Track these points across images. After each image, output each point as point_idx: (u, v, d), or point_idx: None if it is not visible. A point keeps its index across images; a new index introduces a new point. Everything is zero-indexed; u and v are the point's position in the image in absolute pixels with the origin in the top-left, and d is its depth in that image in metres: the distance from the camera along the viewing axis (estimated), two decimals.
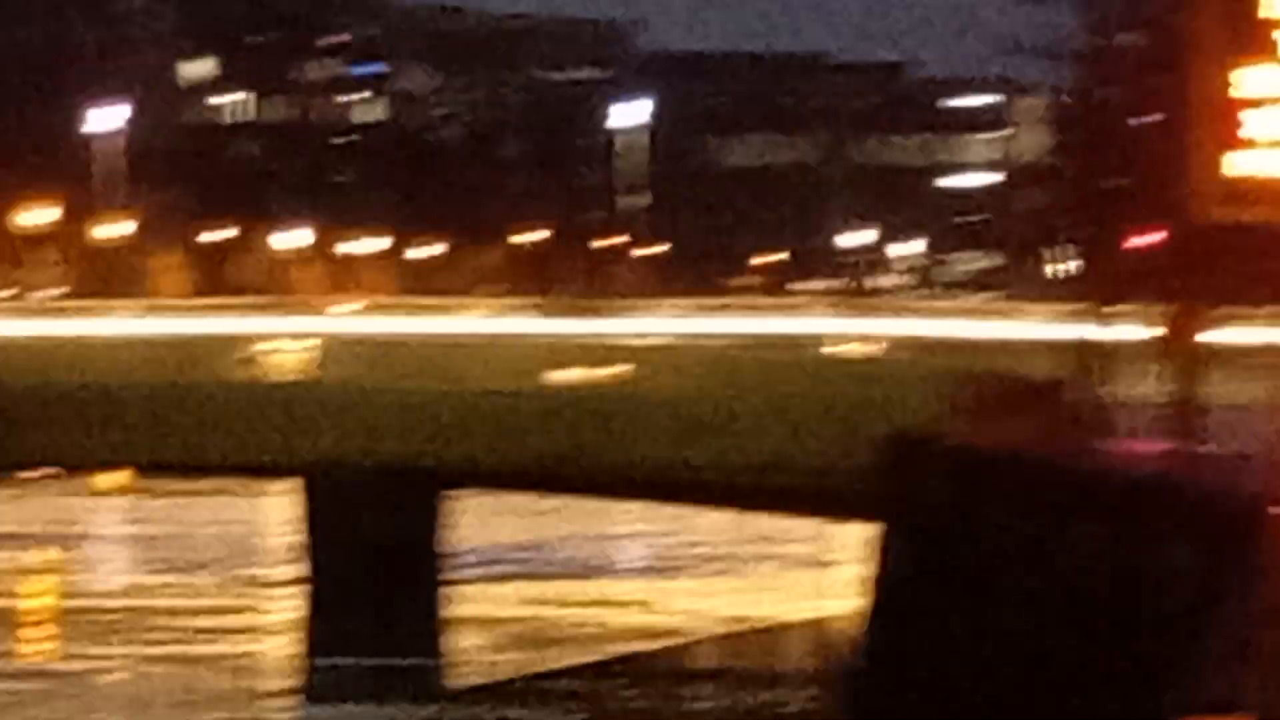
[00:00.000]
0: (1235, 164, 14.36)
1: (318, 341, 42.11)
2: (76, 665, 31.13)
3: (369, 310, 63.89)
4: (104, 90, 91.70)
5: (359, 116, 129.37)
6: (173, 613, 36.86)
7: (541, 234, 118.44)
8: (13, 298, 72.60)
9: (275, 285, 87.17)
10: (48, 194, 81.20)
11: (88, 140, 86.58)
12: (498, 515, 41.90)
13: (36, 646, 33.50)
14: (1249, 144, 14.10)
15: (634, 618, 36.58)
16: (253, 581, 39.29)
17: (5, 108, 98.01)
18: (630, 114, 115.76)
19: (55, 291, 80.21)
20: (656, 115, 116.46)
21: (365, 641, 28.74)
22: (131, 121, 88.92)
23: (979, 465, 23.51)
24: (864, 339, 55.97)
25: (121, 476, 46.88)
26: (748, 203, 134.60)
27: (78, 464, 38.62)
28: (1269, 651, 9.46)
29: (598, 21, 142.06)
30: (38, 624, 36.32)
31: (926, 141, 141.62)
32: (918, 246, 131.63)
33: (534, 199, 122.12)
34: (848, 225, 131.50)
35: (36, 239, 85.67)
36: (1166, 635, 11.97)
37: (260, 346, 41.04)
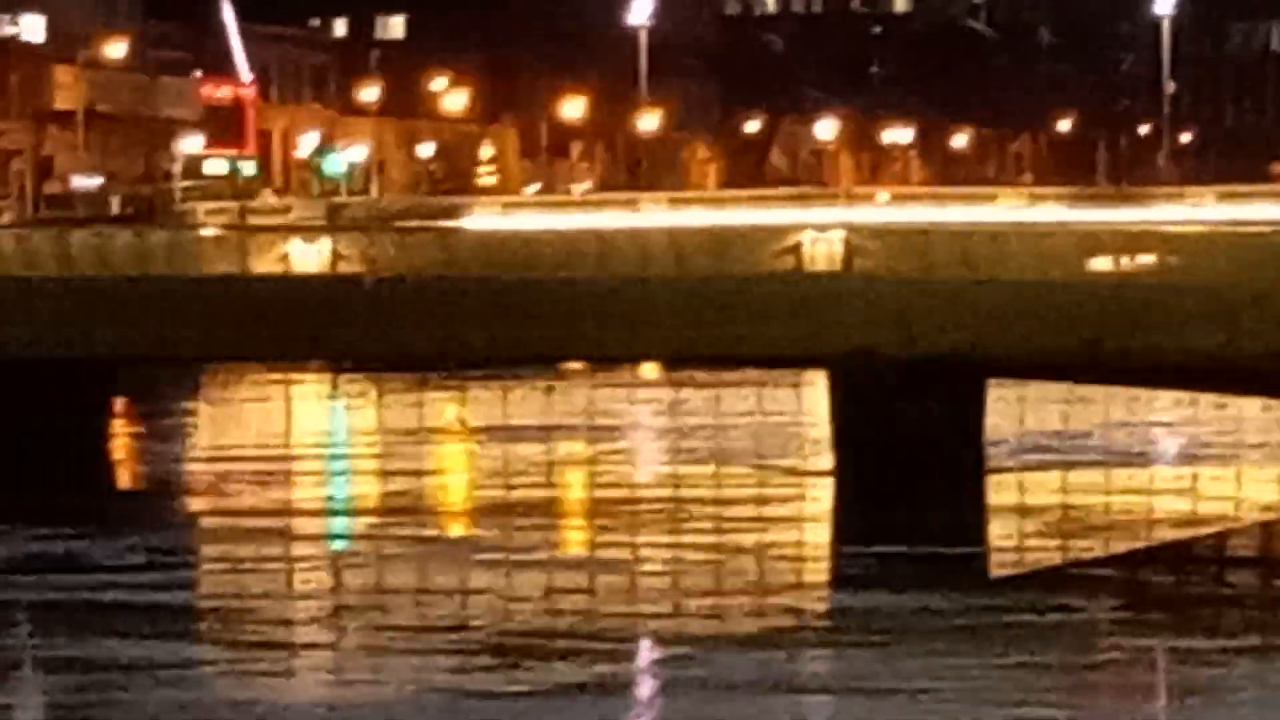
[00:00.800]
0: None
1: (848, 233, 40.31)
2: (616, 554, 30.06)
3: (899, 200, 62.25)
4: None
5: (891, 7, 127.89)
6: (707, 503, 35.03)
7: (1073, 122, 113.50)
8: (543, 191, 73.97)
9: (807, 176, 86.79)
10: (583, 87, 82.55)
11: (623, 33, 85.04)
12: (1033, 404, 39.33)
13: (576, 535, 33.25)
14: None
15: (1173, 505, 33.29)
16: (785, 472, 37.43)
17: (544, 4, 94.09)
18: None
19: (586, 185, 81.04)
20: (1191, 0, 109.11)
21: (901, 530, 27.38)
22: (666, 15, 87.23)
23: None
24: None
25: (655, 368, 46.80)
26: None
27: (610, 357, 39.33)
28: None
29: None
30: (577, 514, 36.27)
31: None
32: None
33: (1065, 88, 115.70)
34: None
35: (571, 133, 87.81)
36: None
37: (792, 238, 39.71)
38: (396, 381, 46.06)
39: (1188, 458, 38.95)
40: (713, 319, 31.80)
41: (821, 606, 24.93)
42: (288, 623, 22.06)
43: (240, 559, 27.35)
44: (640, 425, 45.34)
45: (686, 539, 30.61)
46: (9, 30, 61.21)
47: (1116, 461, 36.67)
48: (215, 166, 63.95)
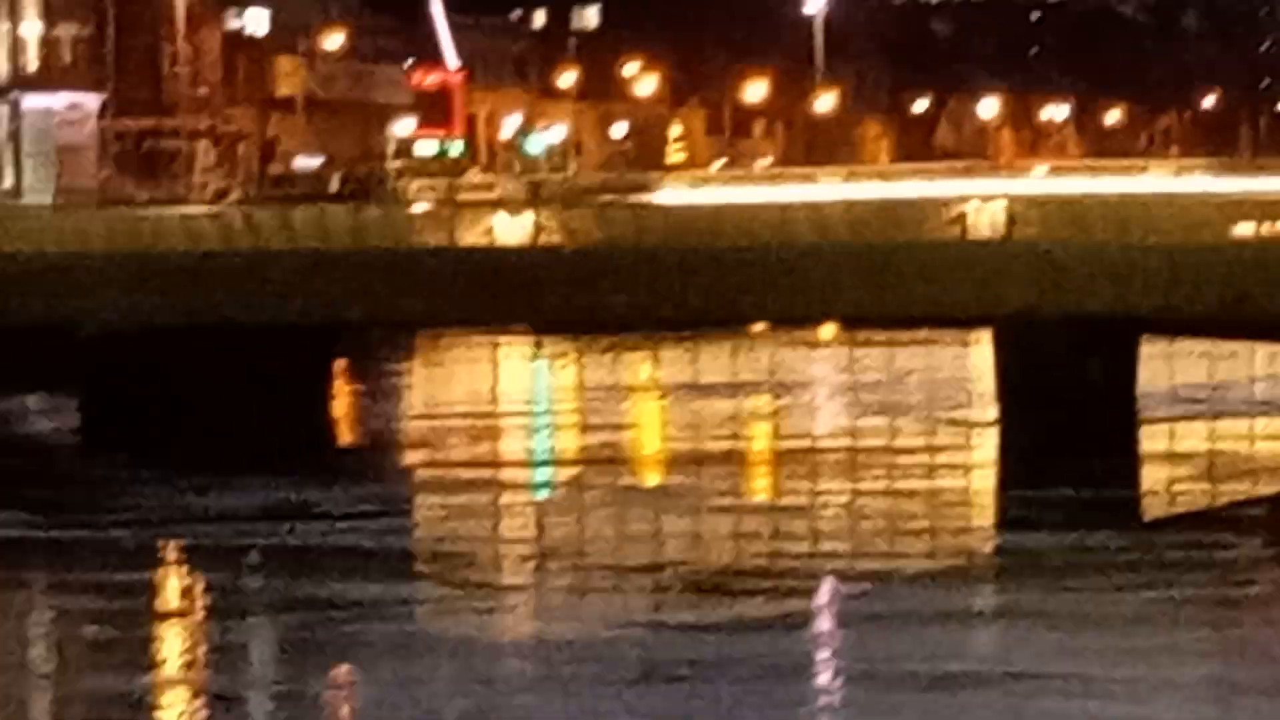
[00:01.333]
0: None
1: (1009, 202, 39.25)
2: (796, 500, 30.87)
3: (1057, 172, 61.13)
4: None
5: None
6: (881, 452, 35.80)
7: (1217, 99, 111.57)
8: (727, 167, 74.12)
9: (972, 151, 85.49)
10: (763, 70, 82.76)
11: (801, 20, 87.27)
12: (1183, 359, 38.80)
13: (760, 484, 33.46)
14: None
15: None
16: (954, 423, 38.01)
17: None
18: None
19: (767, 161, 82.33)
20: None
21: (1062, 476, 28.26)
22: (840, 1, 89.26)
23: None
24: None
25: (832, 329, 47.21)
26: None
27: (791, 318, 40.17)
28: None
29: None
30: (760, 464, 36.56)
31: None
32: None
33: (1211, 67, 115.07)
34: None
35: (753, 113, 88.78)
36: None
37: (957, 208, 38.50)
38: (595, 343, 46.91)
39: None
40: (885, 283, 32.41)
41: (989, 546, 25.94)
42: (497, 565, 23.36)
43: (453, 507, 28.48)
44: (820, 381, 45.65)
45: (863, 485, 31.05)
46: (236, 24, 64.11)
47: (1260, 411, 35.85)
48: (425, 148, 65.68)
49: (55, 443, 35.51)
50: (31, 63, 55.82)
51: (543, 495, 31.46)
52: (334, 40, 67.13)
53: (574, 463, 34.84)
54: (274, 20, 65.82)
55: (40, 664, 16.26)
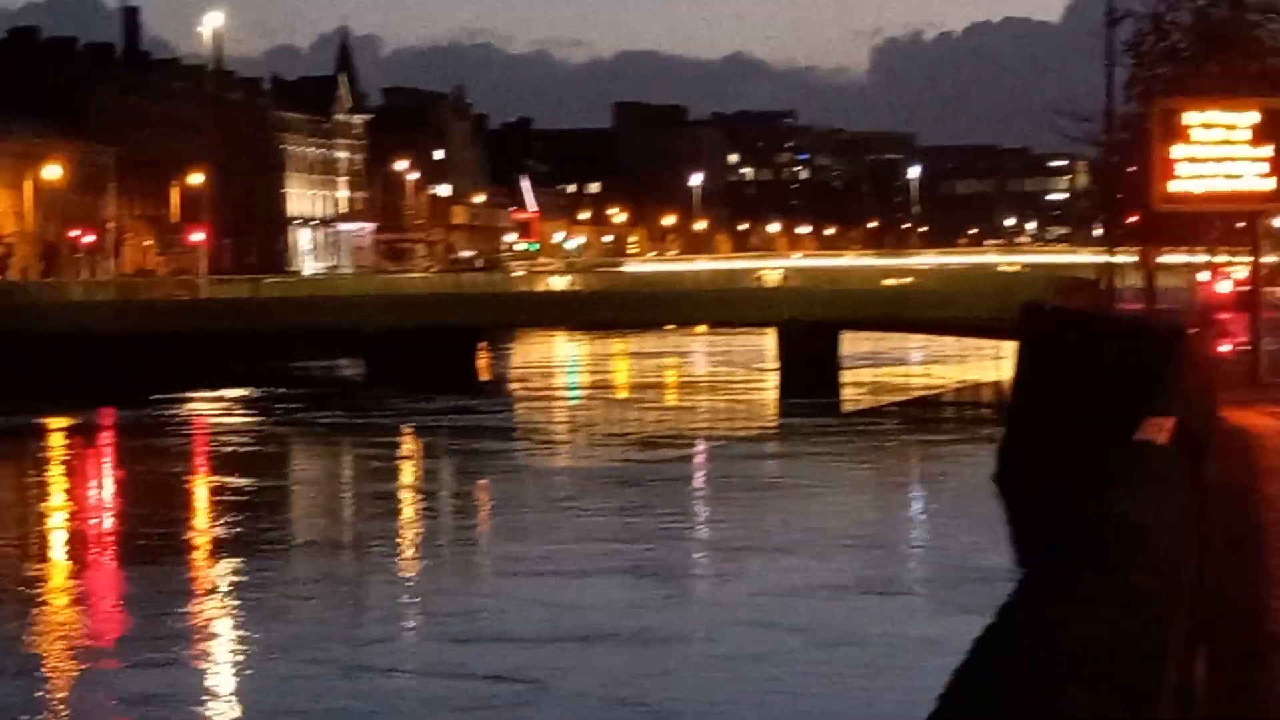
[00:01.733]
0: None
1: (784, 271, 77.65)
2: (687, 404, 53.75)
3: (805, 257, 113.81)
4: None
5: None
6: (726, 382, 58.14)
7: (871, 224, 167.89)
8: (656, 255, 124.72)
9: (765, 247, 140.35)
10: (671, 211, 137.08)
11: (690, 185, 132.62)
12: (862, 341, 61.01)
13: (670, 396, 56.91)
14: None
15: (923, 380, 56.85)
16: (760, 370, 57.95)
17: None
18: None
19: (674, 252, 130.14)
20: None
21: (811, 393, 47.69)
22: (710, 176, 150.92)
23: (1063, 315, 34.05)
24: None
25: (704, 328, 73.15)
26: None
27: (688, 322, 68.21)
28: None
29: None
30: (670, 387, 60.20)
31: None
32: None
33: (865, 206, 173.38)
34: None
35: (666, 230, 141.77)
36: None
37: (759, 272, 76.84)
38: (596, 334, 73.18)
39: (929, 360, 62.76)
40: (729, 306, 56.06)
41: (775, 424, 44.73)
42: (553, 433, 42.65)
43: (533, 406, 52.27)
44: (698, 352, 69.27)
45: (718, 397, 52.12)
46: (435, 190, 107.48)
47: (899, 364, 61.43)
48: (520, 246, 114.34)
49: (354, 382, 55.95)
50: (342, 208, 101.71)
51: (573, 401, 53.64)
52: (479, 198, 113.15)
53: (586, 387, 59.37)
54: (454, 188, 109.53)
55: (347, 478, 34.62)
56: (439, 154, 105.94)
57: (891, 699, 14.68)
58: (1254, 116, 20.03)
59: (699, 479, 33.73)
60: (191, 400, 44.81)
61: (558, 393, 56.67)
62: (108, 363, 44.73)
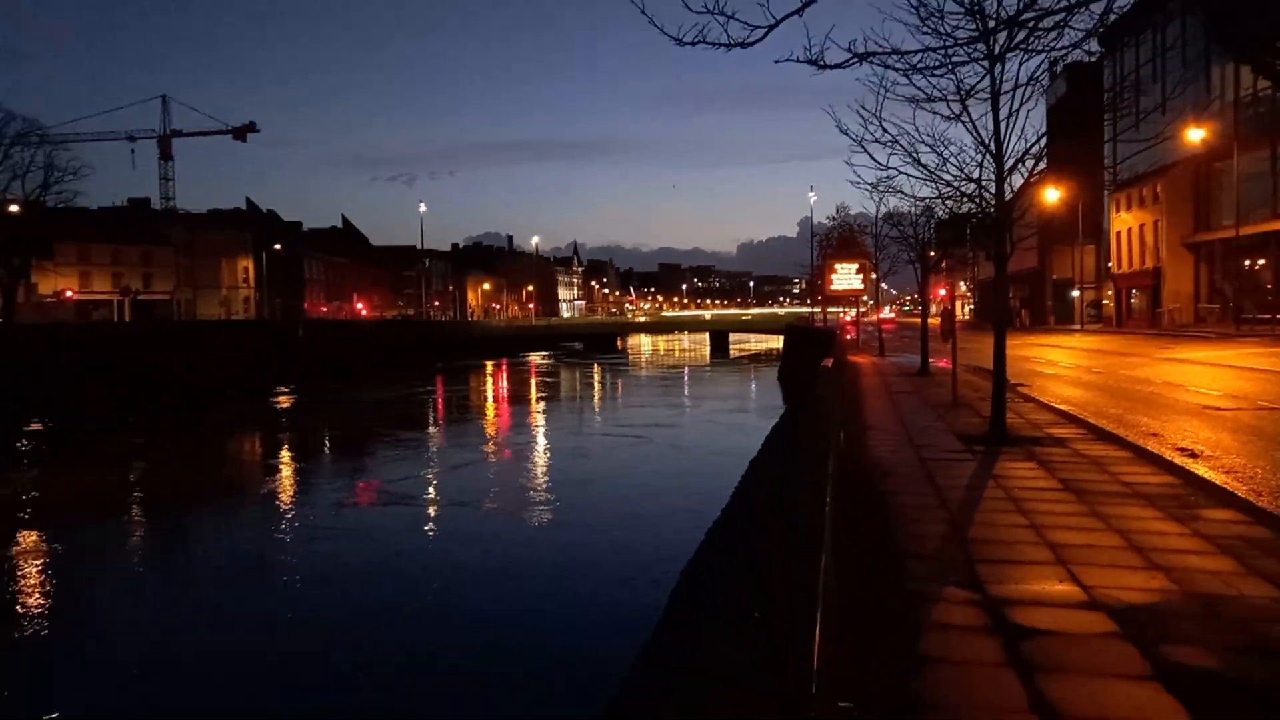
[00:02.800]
0: None
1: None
2: (696, 358, 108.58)
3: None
4: None
5: None
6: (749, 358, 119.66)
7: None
8: (650, 312, 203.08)
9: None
10: (654, 294, 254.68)
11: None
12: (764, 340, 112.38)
13: (679, 357, 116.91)
14: None
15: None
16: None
17: None
18: None
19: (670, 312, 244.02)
20: None
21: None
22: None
23: (797, 326, 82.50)
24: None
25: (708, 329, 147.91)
26: None
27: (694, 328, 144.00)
28: None
29: None
30: (681, 355, 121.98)
31: None
32: None
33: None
34: None
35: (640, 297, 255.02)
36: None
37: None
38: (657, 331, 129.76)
39: (758, 342, 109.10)
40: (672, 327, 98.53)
41: (708, 363, 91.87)
42: (641, 367, 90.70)
43: (639, 359, 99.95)
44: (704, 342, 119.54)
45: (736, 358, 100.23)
46: (609, 292, 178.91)
47: (747, 344, 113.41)
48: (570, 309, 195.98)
49: (580, 349, 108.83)
50: (575, 298, 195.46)
51: (646, 353, 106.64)
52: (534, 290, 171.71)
53: (641, 353, 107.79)
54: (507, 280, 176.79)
55: (578, 379, 76.75)
56: (604, 279, 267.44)
57: (748, 442, 27.09)
58: (855, 265, 59.77)
59: (686, 377, 74.86)
60: (528, 355, 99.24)
61: (650, 351, 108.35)
62: (505, 344, 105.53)
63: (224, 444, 42.58)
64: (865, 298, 58.06)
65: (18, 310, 70.98)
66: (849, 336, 59.00)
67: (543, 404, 57.91)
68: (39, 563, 20.79)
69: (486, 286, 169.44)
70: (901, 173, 15.68)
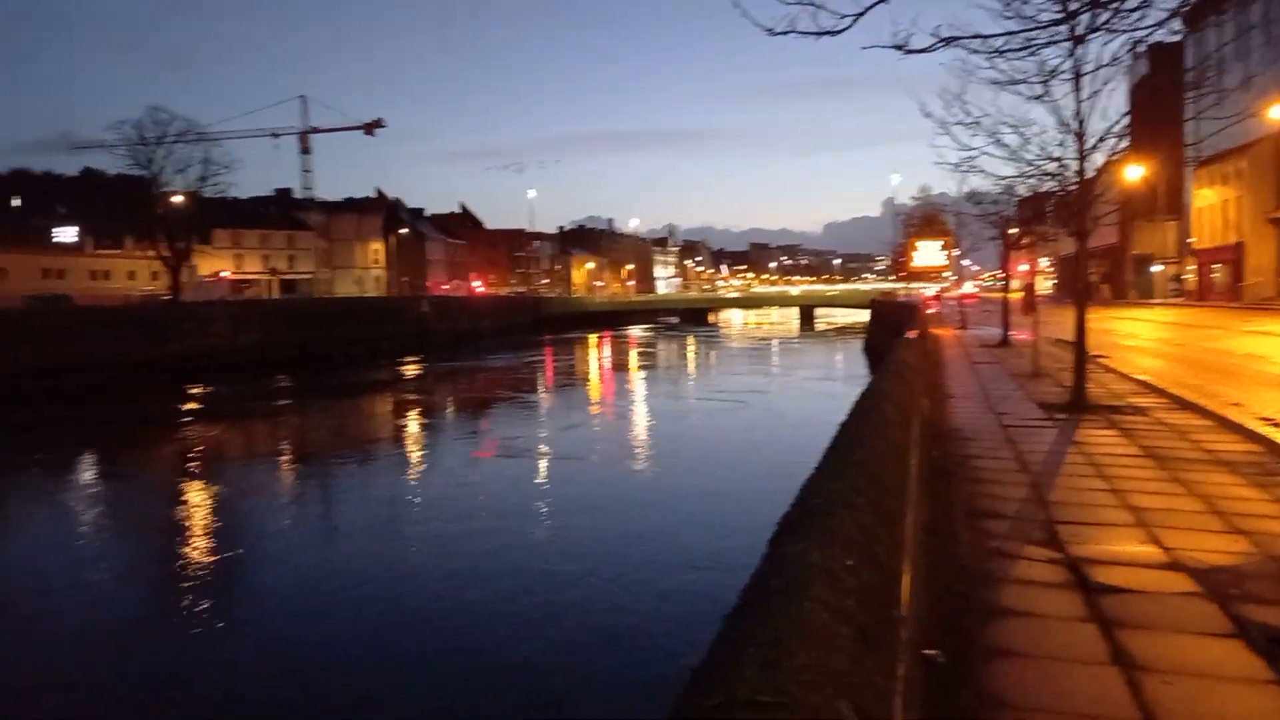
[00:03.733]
0: None
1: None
2: (787, 329, 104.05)
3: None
4: None
5: None
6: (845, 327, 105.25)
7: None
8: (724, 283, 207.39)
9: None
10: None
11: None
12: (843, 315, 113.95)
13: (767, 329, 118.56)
14: None
15: None
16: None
17: None
18: None
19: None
20: None
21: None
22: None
23: (882, 301, 79.52)
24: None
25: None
26: None
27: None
28: None
29: None
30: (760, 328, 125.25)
31: None
32: None
33: None
34: None
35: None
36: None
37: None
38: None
39: (845, 317, 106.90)
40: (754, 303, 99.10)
41: (797, 336, 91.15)
42: (731, 338, 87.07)
43: (728, 331, 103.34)
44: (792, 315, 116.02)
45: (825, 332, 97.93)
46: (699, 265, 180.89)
47: (833, 318, 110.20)
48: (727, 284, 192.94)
49: (676, 324, 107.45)
50: (670, 275, 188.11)
51: (747, 325, 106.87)
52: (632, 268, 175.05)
53: (732, 326, 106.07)
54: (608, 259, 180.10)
55: (672, 347, 77.50)
56: (697, 258, 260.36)
57: (837, 408, 38.63)
58: (938, 242, 58.17)
59: (776, 348, 73.94)
60: (628, 328, 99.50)
61: (740, 325, 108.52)
62: (606, 318, 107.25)
63: (364, 406, 44.53)
64: (947, 273, 56.85)
65: (182, 288, 74.42)
66: (932, 311, 57.65)
67: (644, 372, 58.39)
68: (220, 503, 22.53)
69: (589, 265, 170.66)
70: (984, 153, 15.18)
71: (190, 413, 41.17)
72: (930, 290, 74.91)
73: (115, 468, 29.15)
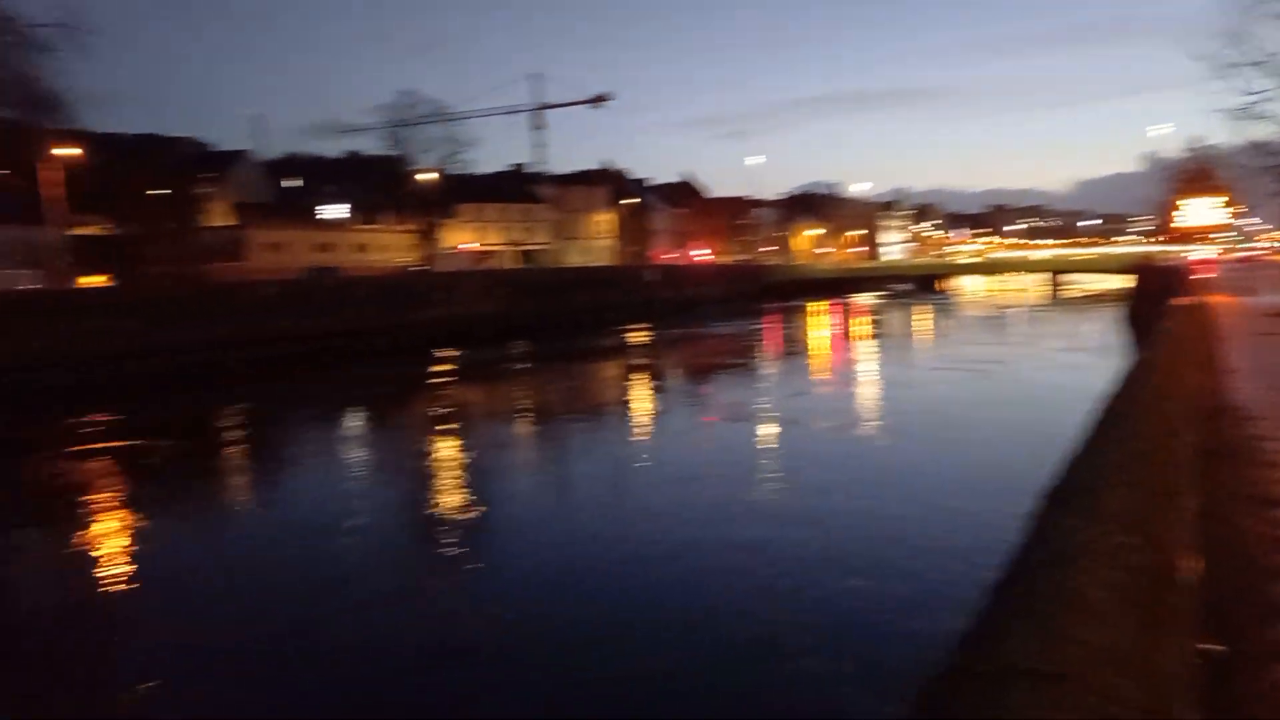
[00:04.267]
0: None
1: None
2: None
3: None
4: None
5: None
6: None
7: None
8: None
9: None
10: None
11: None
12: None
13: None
14: None
15: None
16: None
17: None
18: None
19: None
20: None
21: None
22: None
23: (1147, 264, 72.32)
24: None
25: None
26: None
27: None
28: None
29: None
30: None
31: None
32: None
33: None
34: None
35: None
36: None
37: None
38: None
39: (1099, 282, 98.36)
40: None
41: (1047, 303, 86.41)
42: (964, 305, 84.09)
43: (962, 298, 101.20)
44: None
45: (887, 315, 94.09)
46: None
47: (1084, 283, 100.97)
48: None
49: (909, 290, 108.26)
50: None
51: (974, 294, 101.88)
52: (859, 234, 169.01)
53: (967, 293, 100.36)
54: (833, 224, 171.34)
55: (899, 316, 72.70)
56: (929, 222, 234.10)
57: (1094, 382, 21.85)
58: (1212, 200, 52.65)
59: (1016, 317, 69.51)
60: (854, 296, 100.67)
61: (976, 292, 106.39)
62: (832, 286, 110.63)
63: (598, 370, 46.76)
64: (1224, 233, 51.34)
65: (431, 260, 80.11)
66: (1207, 276, 52.54)
67: (877, 340, 57.09)
68: (476, 457, 24.60)
69: (813, 232, 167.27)
70: (1270, 98, 13.54)
71: (444, 373, 44.62)
72: (1198, 253, 68.18)
73: (386, 423, 32.78)
